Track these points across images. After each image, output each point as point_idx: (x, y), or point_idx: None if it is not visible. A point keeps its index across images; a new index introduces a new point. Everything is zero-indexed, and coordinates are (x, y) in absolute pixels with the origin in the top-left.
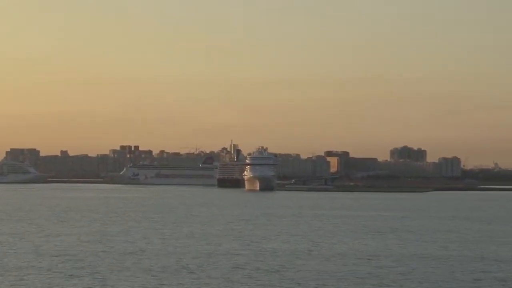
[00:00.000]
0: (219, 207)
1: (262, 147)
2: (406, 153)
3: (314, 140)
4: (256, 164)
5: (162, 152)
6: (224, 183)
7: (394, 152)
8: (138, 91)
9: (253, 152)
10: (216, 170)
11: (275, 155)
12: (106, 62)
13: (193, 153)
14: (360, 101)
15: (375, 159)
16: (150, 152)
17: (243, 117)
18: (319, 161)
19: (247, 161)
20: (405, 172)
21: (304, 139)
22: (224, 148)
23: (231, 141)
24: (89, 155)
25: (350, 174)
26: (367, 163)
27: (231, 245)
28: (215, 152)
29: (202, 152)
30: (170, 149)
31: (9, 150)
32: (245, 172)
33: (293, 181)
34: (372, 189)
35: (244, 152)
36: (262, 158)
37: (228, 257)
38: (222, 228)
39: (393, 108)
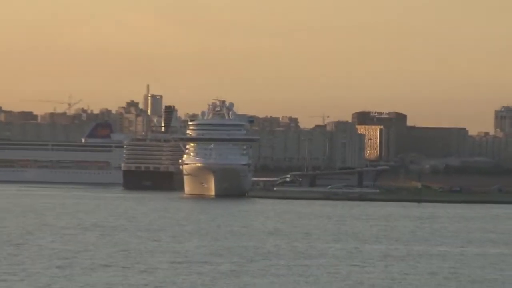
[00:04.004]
0: (138, 234)
1: (222, 101)
2: None
3: (329, 90)
4: (210, 138)
5: None
6: (136, 180)
7: (506, 117)
8: None
9: (203, 113)
10: (119, 151)
11: (251, 119)
12: None
13: (65, 114)
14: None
15: (462, 131)
16: None
17: (179, 34)
18: (341, 134)
19: (189, 132)
20: None
21: (308, 88)
22: (133, 103)
23: (148, 87)
24: None
25: (411, 161)
26: (445, 139)
27: None
28: (114, 112)
29: (85, 111)
30: (12, 106)
31: None
32: (185, 156)
33: (288, 177)
34: (461, 197)
35: (182, 111)
36: (222, 127)
37: None
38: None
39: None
